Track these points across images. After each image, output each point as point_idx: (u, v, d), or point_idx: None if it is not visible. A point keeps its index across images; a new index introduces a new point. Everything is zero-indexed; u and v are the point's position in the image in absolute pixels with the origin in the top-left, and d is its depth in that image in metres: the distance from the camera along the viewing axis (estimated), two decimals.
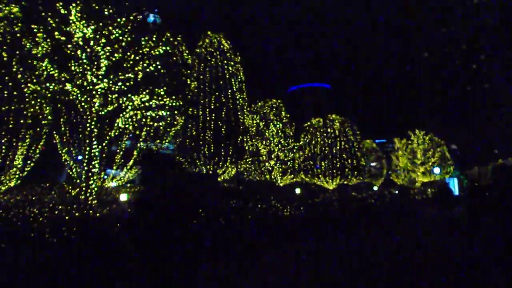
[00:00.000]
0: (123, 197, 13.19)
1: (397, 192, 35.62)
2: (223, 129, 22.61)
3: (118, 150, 18.30)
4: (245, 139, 23.22)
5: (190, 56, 21.98)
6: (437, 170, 41.54)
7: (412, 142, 46.48)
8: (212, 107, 22.83)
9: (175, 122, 20.74)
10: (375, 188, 34.84)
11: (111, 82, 14.26)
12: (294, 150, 27.93)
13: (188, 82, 21.36)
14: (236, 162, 23.51)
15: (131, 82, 14.41)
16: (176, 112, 20.75)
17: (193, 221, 4.15)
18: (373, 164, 54.83)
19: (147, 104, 15.45)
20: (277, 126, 27.48)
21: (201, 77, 22.97)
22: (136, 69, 14.46)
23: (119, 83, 14.21)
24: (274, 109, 28.36)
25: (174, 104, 16.54)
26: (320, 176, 31.59)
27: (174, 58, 16.76)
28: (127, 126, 17.15)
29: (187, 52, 20.36)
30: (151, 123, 18.79)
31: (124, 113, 16.12)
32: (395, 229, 16.99)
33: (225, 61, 23.32)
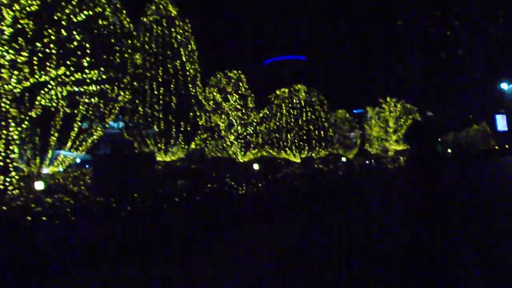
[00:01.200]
0: (39, 185, 11.41)
1: (367, 162, 34.55)
2: (173, 104, 20.80)
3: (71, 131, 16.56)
4: (198, 114, 21.48)
5: (133, 24, 19.98)
6: None
7: (384, 110, 45.30)
8: (160, 80, 20.96)
9: (119, 98, 18.93)
10: (344, 159, 33.62)
11: (18, 54, 12.29)
12: (254, 124, 26.25)
13: (131, 52, 19.44)
14: (189, 139, 21.83)
15: (43, 55, 12.47)
16: (116, 87, 18.93)
17: None
18: (352, 134, 53.75)
19: (67, 79, 13.57)
20: (234, 98, 25.71)
21: (147, 47, 20.98)
22: (46, 40, 12.47)
23: (27, 55, 12.22)
24: (232, 81, 26.55)
25: (102, 78, 14.69)
26: (287, 149, 30.18)
27: (101, 23, 14.78)
28: (53, 104, 15.29)
29: (129, 20, 18.38)
30: (88, 101, 16.98)
31: (46, 89, 14.24)
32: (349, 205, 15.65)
33: (172, 29, 21.32)
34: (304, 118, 30.22)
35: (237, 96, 25.79)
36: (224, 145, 25.73)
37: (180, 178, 16.99)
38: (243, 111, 25.65)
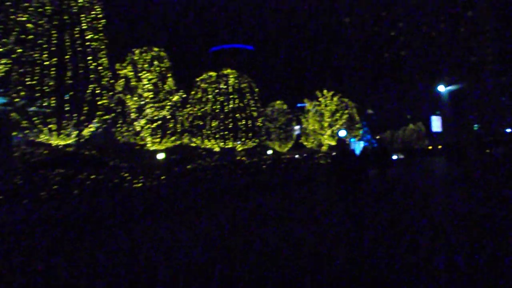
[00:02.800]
0: None
1: (296, 156, 32.79)
2: (66, 78, 17.64)
3: None
4: (98, 91, 18.42)
5: None
6: (342, 132, 39.19)
7: (320, 104, 43.76)
8: (53, 49, 17.70)
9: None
10: (270, 152, 31.73)
11: None
12: (169, 108, 23.34)
13: (13, 11, 16.15)
14: (86, 120, 18.76)
15: None
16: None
17: None
18: (291, 128, 52.05)
19: None
20: (148, 77, 22.74)
21: (36, 7, 17.58)
22: None
23: None
24: (147, 59, 23.54)
25: None
26: (210, 138, 27.66)
27: None
28: None
29: None
30: None
31: None
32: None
33: None
34: (231, 106, 27.77)
35: (150, 75, 22.83)
36: (131, 129, 22.71)
37: (59, 167, 14.05)
38: (155, 93, 22.70)
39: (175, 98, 23.42)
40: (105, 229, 10.16)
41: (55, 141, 18.60)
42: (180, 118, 24.69)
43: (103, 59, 19.24)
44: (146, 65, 23.33)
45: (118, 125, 23.45)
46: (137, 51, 24.42)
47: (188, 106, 28.68)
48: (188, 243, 7.61)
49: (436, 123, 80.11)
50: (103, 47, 19.15)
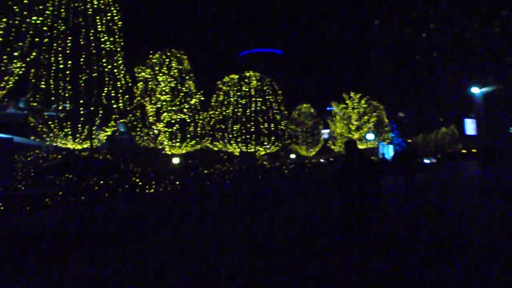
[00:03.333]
0: None
1: (322, 160, 31.80)
2: (81, 81, 17.33)
3: None
4: (113, 94, 18.02)
5: None
6: (370, 136, 37.91)
7: (347, 106, 42.54)
8: (68, 52, 17.44)
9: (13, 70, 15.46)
10: (293, 156, 30.84)
11: None
12: (187, 111, 22.73)
13: (26, 14, 15.95)
14: (102, 124, 18.42)
15: None
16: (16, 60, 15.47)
17: None
18: (321, 131, 50.99)
19: None
20: (167, 81, 22.25)
21: (50, 9, 17.35)
22: None
23: None
24: (167, 62, 23.07)
25: None
26: (232, 142, 27.03)
27: None
28: None
29: None
30: None
31: None
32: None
33: None
34: (253, 108, 27.06)
35: (168, 78, 22.35)
36: (151, 134, 22.25)
37: (69, 172, 13.64)
38: (175, 95, 22.18)
39: (193, 101, 22.84)
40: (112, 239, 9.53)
41: (71, 146, 18.34)
42: (201, 121, 24.09)
43: (120, 62, 18.87)
44: (164, 68, 22.89)
45: (137, 129, 23.08)
46: (156, 55, 24.06)
47: (209, 109, 28.19)
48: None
49: (470, 126, 77.30)
50: (119, 49, 18.76)
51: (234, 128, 26.74)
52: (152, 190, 14.46)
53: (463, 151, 67.39)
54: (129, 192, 13.66)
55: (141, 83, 22.31)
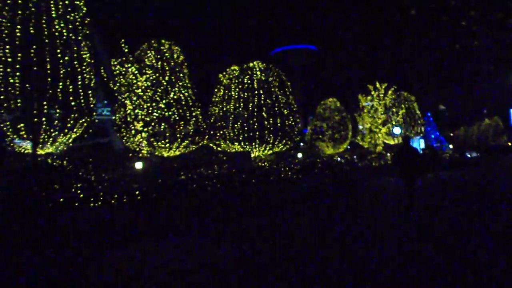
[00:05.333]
0: None
1: (339, 159, 28.33)
2: (32, 77, 14.94)
3: None
4: (71, 90, 15.48)
5: None
6: (397, 130, 34.03)
7: (373, 98, 38.60)
8: (17, 43, 15.05)
9: None
10: (300, 155, 27.62)
11: None
12: (162, 106, 19.71)
13: None
14: (70, 126, 15.99)
15: None
16: None
17: None
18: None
19: None
20: (147, 75, 19.55)
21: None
22: None
23: None
24: (151, 53, 20.41)
25: None
26: (234, 141, 24.12)
27: None
28: None
29: None
30: None
31: None
32: None
33: None
34: (255, 103, 24.04)
35: (148, 70, 19.66)
36: (128, 135, 19.61)
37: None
38: (154, 92, 19.40)
39: (172, 94, 19.97)
40: None
41: (36, 150, 16.00)
42: (194, 119, 21.31)
43: (84, 54, 16.37)
44: (149, 60, 20.30)
45: (122, 130, 20.59)
46: (145, 45, 21.53)
47: (211, 105, 25.48)
48: None
49: None
50: (80, 38, 16.24)
51: (236, 126, 23.80)
52: (99, 203, 11.77)
53: (509, 143, 61.76)
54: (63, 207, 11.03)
55: (121, 77, 19.71)
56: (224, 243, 9.10)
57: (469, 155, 45.99)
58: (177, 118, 20.50)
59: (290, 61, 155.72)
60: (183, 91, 20.96)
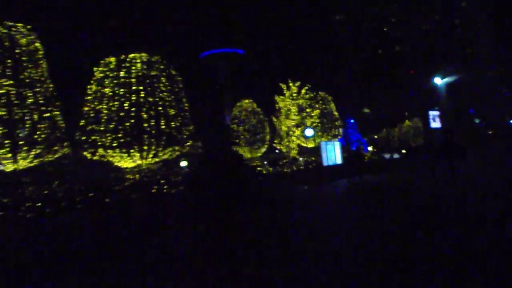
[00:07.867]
0: None
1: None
2: None
3: None
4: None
5: None
6: (308, 132, 31.13)
7: (284, 98, 35.51)
8: None
9: None
10: (184, 163, 23.94)
11: None
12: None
13: None
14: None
15: None
16: None
17: None
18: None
19: None
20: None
21: None
22: None
23: None
24: None
25: None
26: (109, 148, 19.74)
27: None
28: None
29: None
30: None
31: None
32: None
33: None
34: (133, 100, 19.83)
35: None
36: None
37: None
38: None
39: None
40: None
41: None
42: (47, 122, 16.76)
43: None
44: None
45: None
46: None
47: (83, 105, 20.95)
48: None
49: (435, 119, 73.20)
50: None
51: (108, 129, 19.43)
52: None
53: (429, 143, 62.58)
54: None
55: None
56: None
57: (387, 156, 44.87)
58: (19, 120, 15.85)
59: (218, 64, 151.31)
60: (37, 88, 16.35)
